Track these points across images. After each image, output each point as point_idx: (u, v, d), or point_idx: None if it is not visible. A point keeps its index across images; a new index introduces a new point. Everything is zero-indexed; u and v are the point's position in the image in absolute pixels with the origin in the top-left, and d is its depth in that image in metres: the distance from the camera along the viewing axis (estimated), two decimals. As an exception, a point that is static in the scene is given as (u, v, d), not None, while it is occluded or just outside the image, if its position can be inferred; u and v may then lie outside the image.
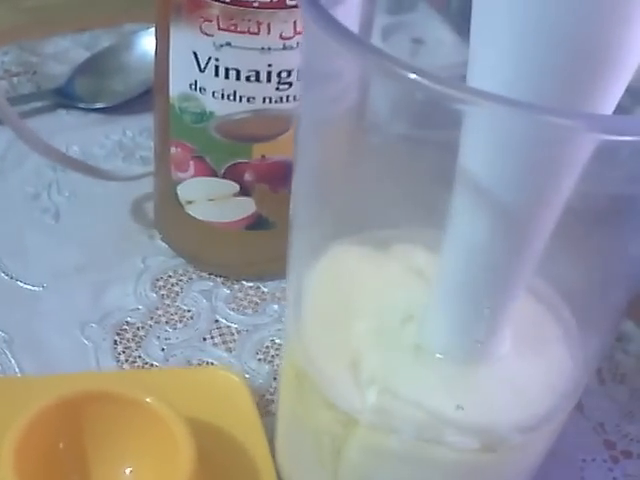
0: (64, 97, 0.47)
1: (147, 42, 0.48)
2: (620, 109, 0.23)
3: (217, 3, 0.31)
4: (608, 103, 0.19)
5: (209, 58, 0.32)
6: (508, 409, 0.24)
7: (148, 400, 0.28)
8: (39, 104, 0.47)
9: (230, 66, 0.32)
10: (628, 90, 0.22)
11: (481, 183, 0.20)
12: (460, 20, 0.21)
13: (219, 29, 0.31)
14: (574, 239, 0.22)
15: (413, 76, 0.17)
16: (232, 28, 0.31)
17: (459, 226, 0.22)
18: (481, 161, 0.20)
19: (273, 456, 0.30)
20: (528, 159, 0.19)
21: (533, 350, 0.25)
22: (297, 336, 0.26)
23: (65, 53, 0.52)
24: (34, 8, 0.54)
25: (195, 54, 0.32)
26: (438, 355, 0.24)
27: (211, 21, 0.31)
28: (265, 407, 0.33)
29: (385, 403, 0.24)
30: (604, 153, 0.19)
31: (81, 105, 0.47)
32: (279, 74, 0.32)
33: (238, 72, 0.32)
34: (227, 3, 0.31)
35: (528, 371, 0.24)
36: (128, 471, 0.29)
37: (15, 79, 0.49)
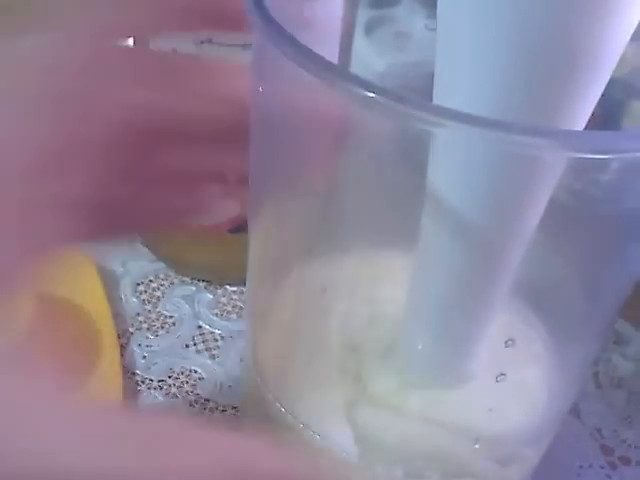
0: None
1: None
2: (614, 103, 0.22)
3: (195, -3, 0.30)
4: (581, 115, 0.18)
5: (188, 55, 0.31)
6: (516, 423, 0.23)
7: None
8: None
9: (209, 63, 0.31)
10: (622, 83, 0.21)
11: (450, 203, 0.19)
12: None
13: (197, 24, 0.30)
14: (550, 255, 0.22)
15: (371, 95, 0.16)
16: (211, 23, 0.30)
17: (430, 245, 0.21)
18: (448, 180, 0.19)
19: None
20: (496, 177, 0.18)
21: (512, 365, 0.24)
22: (256, 366, 0.25)
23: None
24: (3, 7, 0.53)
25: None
26: (417, 380, 0.23)
27: (189, 16, 0.30)
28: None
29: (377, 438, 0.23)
30: (575, 170, 0.18)
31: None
32: (260, 71, 0.31)
33: (218, 69, 0.31)
34: (205, -3, 0.30)
35: (510, 387, 0.23)
36: None
37: None
